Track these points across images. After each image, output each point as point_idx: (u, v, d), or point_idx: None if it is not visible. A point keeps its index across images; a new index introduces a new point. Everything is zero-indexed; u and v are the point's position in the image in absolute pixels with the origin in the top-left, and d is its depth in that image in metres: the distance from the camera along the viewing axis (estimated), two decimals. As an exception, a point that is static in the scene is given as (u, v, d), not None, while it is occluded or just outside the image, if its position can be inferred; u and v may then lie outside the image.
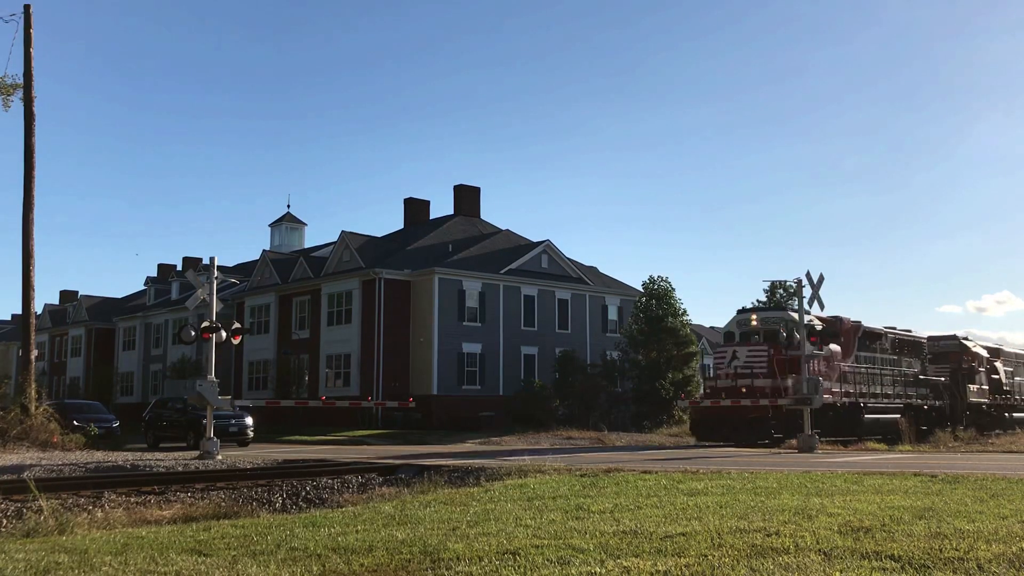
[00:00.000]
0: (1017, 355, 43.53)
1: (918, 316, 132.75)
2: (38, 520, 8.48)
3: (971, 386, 35.58)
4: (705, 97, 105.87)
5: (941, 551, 5.74)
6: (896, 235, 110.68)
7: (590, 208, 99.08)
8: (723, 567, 5.41)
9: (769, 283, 41.89)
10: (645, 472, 12.63)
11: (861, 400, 28.86)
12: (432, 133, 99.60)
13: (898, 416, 29.40)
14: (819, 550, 5.86)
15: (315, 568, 5.79)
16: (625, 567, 5.44)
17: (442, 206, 61.39)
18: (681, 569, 5.37)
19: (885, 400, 30.38)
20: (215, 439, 20.54)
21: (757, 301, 41.82)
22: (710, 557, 5.70)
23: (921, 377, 33.74)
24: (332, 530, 7.46)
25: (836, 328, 28.79)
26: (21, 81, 26.26)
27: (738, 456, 18.72)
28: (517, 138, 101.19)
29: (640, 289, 43.98)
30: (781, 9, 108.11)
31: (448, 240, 47.13)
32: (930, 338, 36.01)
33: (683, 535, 6.46)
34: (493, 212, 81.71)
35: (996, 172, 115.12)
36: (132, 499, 11.09)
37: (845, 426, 27.80)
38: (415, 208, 53.49)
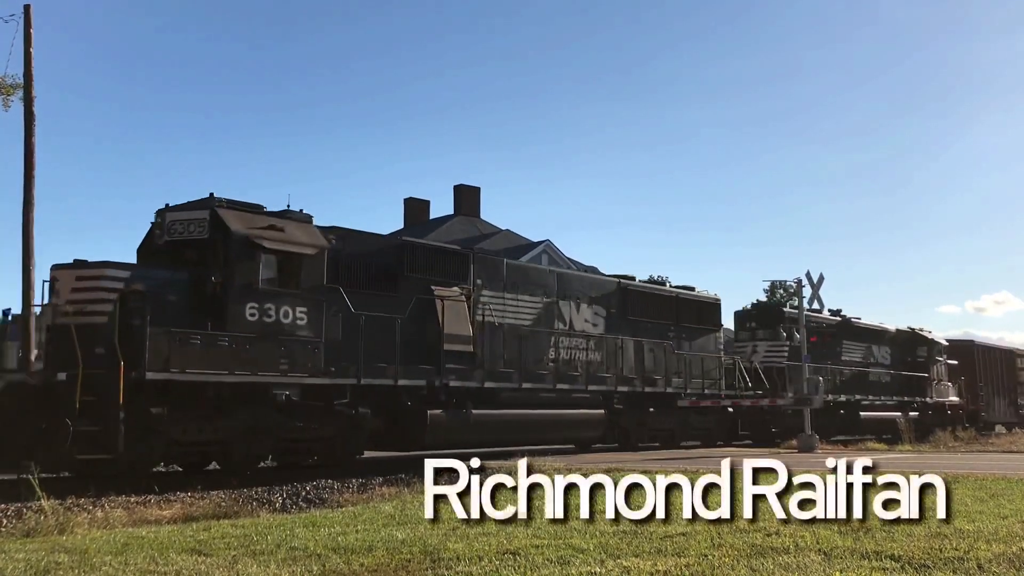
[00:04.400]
0: (590, 282, 20.60)
1: (919, 316, 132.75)
2: (38, 520, 8.48)
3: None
4: (705, 97, 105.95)
5: (941, 551, 5.75)
6: (895, 235, 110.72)
7: (590, 208, 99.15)
8: (723, 567, 5.41)
9: (769, 283, 41.78)
10: (645, 472, 12.63)
11: None
12: (432, 132, 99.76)
13: None
14: (819, 550, 5.87)
15: (315, 568, 5.80)
16: (625, 567, 5.45)
17: (442, 206, 61.34)
18: (681, 569, 5.37)
19: None
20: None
21: (757, 301, 41.75)
22: (710, 557, 5.70)
23: None
24: (332, 530, 7.47)
25: None
26: (21, 81, 26.28)
27: (738, 456, 18.76)
28: (517, 138, 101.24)
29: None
30: (779, 8, 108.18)
31: (448, 240, 47.17)
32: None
33: (683, 535, 6.46)
34: (493, 212, 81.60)
35: (995, 172, 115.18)
36: (132, 499, 11.07)
37: None
38: (415, 208, 53.51)
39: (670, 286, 23.91)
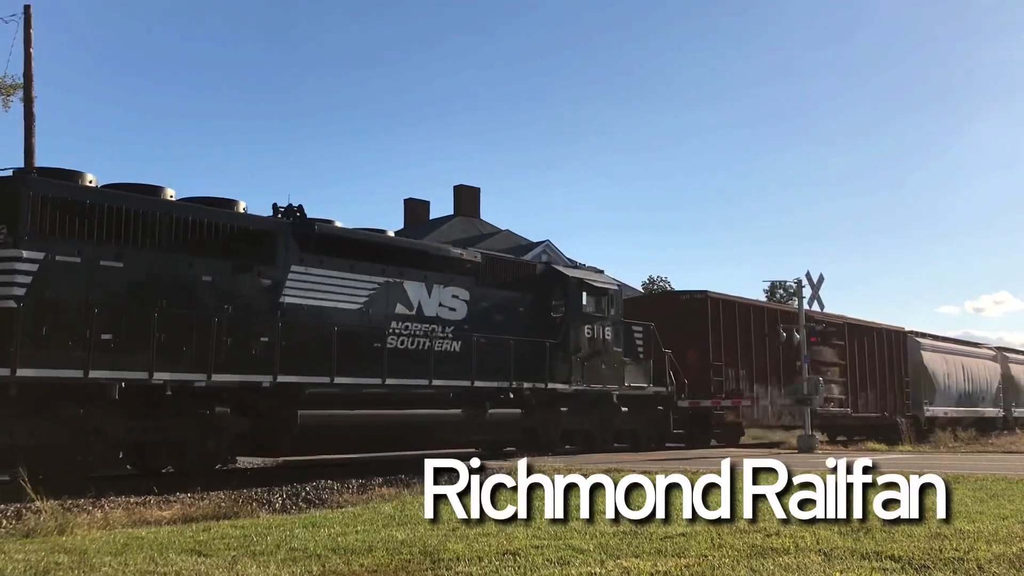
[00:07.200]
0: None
1: (918, 317, 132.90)
2: (38, 520, 8.47)
3: None
4: (706, 97, 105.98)
5: (941, 551, 5.74)
6: (895, 235, 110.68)
7: (590, 208, 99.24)
8: (723, 567, 5.41)
9: (769, 283, 41.45)
10: (645, 472, 12.63)
11: None
12: (432, 133, 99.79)
13: None
14: (819, 550, 5.86)
15: (315, 568, 5.79)
16: (625, 567, 5.45)
17: (442, 206, 61.44)
18: (681, 569, 5.37)
19: None
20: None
21: None
22: (710, 557, 5.70)
23: None
24: (332, 530, 7.46)
25: None
26: (21, 81, 26.28)
27: (738, 456, 18.74)
28: (518, 138, 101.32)
29: (640, 289, 44.03)
30: (779, 8, 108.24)
31: (448, 240, 47.16)
32: None
33: (683, 535, 6.46)
34: (493, 212, 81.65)
35: (995, 172, 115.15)
36: (132, 499, 11.07)
37: None
38: (415, 208, 53.52)
39: None
